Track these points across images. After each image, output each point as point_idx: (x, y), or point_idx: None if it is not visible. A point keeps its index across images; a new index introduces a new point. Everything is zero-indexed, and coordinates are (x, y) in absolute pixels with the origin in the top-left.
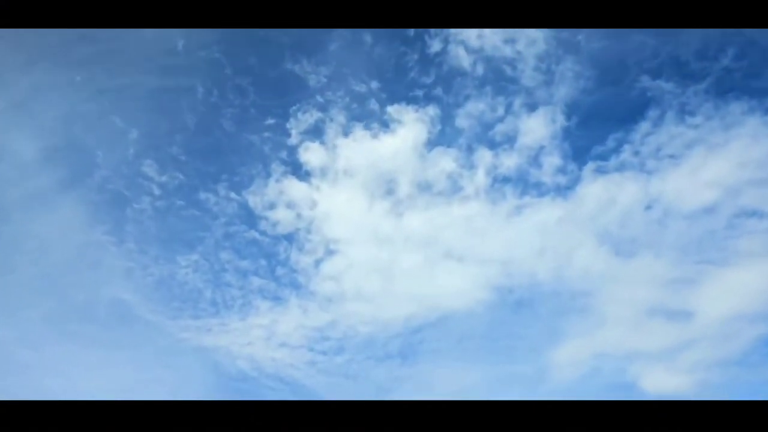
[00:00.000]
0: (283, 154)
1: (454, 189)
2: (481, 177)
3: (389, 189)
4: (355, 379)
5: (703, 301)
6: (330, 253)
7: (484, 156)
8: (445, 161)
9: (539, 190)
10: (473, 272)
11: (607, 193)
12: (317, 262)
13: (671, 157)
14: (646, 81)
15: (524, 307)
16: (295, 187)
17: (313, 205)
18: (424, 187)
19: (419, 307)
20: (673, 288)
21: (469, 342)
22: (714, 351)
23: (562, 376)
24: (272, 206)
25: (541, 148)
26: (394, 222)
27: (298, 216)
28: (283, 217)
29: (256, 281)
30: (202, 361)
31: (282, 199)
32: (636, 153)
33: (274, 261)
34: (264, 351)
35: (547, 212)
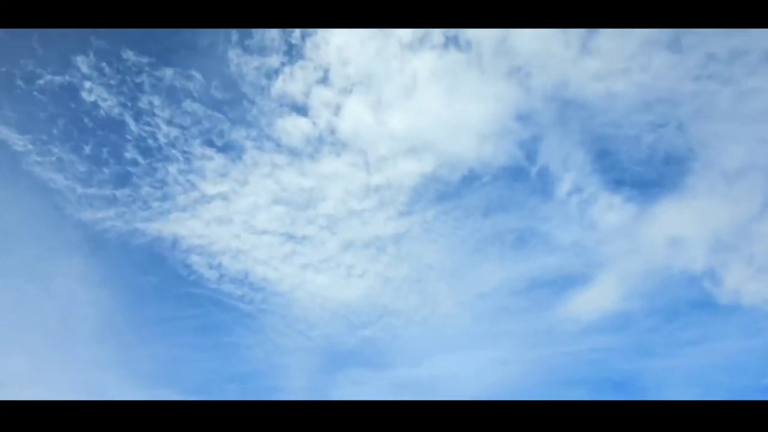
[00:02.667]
0: None
1: None
2: None
3: None
4: (347, 279)
5: None
6: (290, 52)
7: None
8: None
9: None
10: (504, 93)
11: None
12: (271, 74)
13: None
14: None
15: (571, 162)
16: None
17: None
18: None
19: (434, 160)
20: None
21: (494, 218)
22: None
23: (617, 274)
24: None
25: None
26: None
27: None
28: None
29: (191, 110)
30: (139, 255)
31: None
32: None
33: (207, 67)
34: (225, 239)
35: None
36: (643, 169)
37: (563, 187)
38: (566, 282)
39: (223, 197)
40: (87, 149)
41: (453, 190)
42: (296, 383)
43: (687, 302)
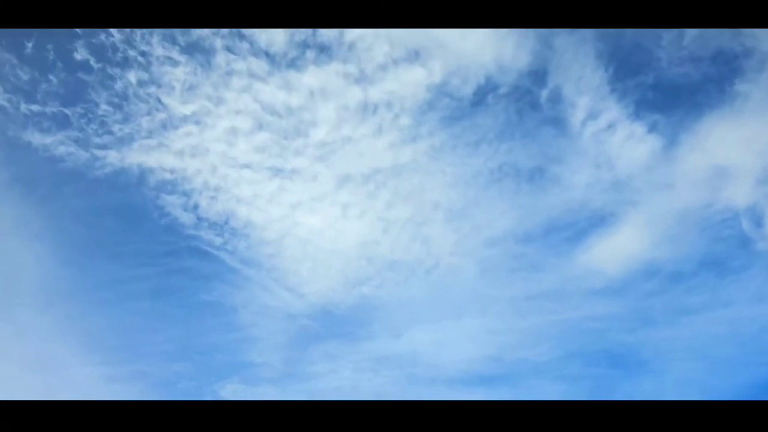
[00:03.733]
0: None
1: None
2: None
3: None
4: (343, 222)
5: None
6: None
7: None
8: None
9: None
10: None
11: None
12: None
13: None
14: None
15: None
16: None
17: None
18: None
19: (443, 67)
20: None
21: (511, 143)
22: None
23: (647, 215)
24: None
25: None
26: None
27: None
28: None
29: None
30: (98, 193)
31: None
32: None
33: None
34: (202, 175)
35: None
36: (685, 70)
37: (578, 115)
38: (588, 225)
39: (196, 120)
40: (29, 46)
41: (465, 107)
42: (267, 358)
43: (720, 253)
